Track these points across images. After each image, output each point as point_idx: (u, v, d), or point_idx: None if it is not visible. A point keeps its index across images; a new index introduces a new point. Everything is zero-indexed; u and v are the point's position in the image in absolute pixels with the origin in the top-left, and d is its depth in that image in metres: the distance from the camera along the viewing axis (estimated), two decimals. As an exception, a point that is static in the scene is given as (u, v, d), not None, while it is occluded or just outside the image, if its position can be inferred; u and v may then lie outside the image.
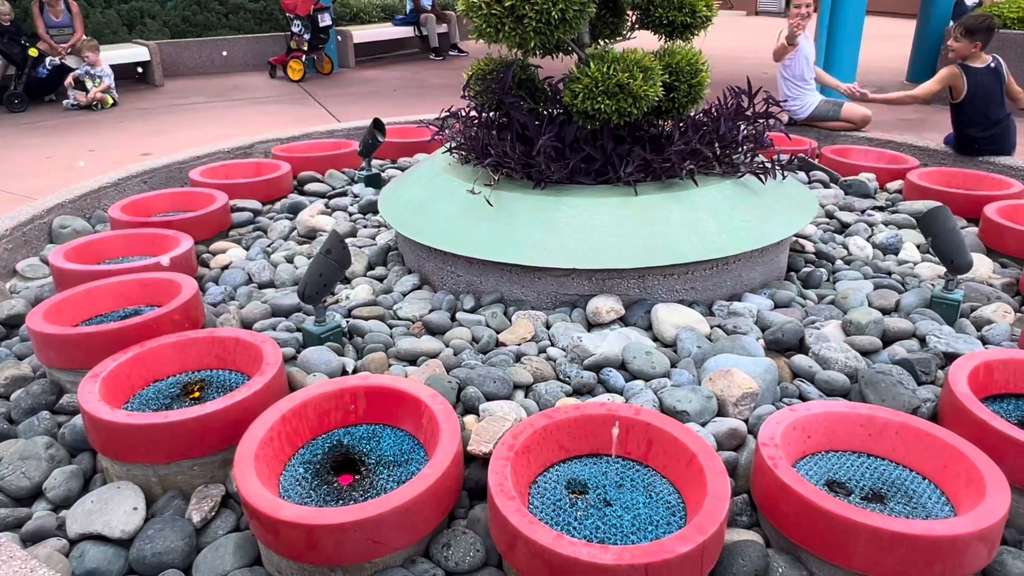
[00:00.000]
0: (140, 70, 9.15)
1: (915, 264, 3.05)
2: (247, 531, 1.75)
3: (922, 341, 2.40)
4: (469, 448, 1.82)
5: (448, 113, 3.17)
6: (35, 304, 2.83)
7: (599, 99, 2.59)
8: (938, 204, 2.62)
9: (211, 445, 1.85)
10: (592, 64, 2.62)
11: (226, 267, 3.14)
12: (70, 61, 8.12)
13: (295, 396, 1.87)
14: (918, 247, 3.22)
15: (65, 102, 7.95)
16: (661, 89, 2.67)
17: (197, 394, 2.08)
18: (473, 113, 3.10)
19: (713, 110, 2.94)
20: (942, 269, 2.93)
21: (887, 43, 11.24)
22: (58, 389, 2.28)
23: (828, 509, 1.49)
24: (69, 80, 7.86)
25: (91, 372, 2.00)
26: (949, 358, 2.27)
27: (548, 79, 3.09)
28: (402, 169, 4.52)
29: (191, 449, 1.83)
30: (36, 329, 2.24)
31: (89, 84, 7.96)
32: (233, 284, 2.96)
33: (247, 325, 2.61)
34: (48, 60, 8.02)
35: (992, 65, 4.20)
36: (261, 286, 2.97)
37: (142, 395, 2.08)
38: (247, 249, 3.36)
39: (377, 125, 4.09)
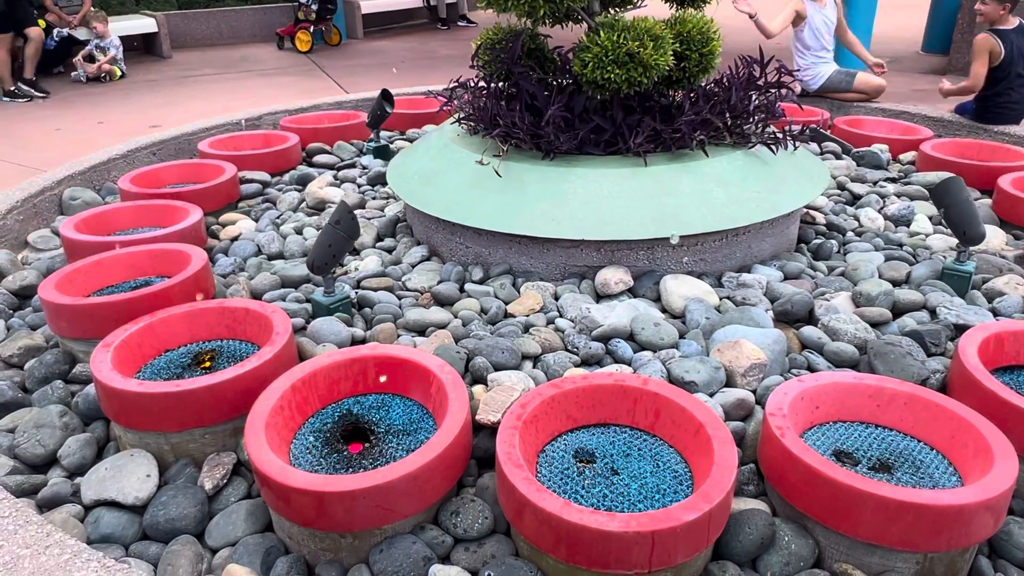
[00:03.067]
0: (135, 43, 9.11)
1: (927, 236, 3.03)
2: (258, 498, 1.78)
3: (932, 313, 2.39)
4: (478, 417, 1.83)
5: (457, 83, 3.15)
6: (47, 275, 2.85)
7: (609, 68, 2.56)
8: (951, 175, 2.59)
9: (222, 414, 1.87)
10: (602, 33, 2.59)
11: (235, 238, 3.15)
12: (79, 33, 8.10)
13: (305, 365, 1.88)
14: (930, 219, 3.20)
15: (73, 74, 7.94)
16: (672, 58, 2.64)
17: (208, 364, 2.09)
18: (482, 83, 3.08)
19: (724, 80, 2.91)
20: (954, 241, 2.91)
21: (902, 13, 11.05)
22: (71, 359, 2.30)
23: (835, 478, 1.50)
24: (79, 58, 7.84)
25: (103, 342, 2.02)
26: (959, 330, 2.26)
27: (557, 49, 3.06)
28: (410, 140, 4.50)
29: (202, 418, 1.85)
30: (48, 299, 2.26)
31: (98, 56, 7.94)
32: (242, 255, 2.96)
33: (257, 296, 2.62)
34: (56, 31, 8.00)
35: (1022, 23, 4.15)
36: (270, 257, 2.98)
37: (154, 364, 2.09)
38: (256, 220, 3.37)
39: (385, 96, 4.06)
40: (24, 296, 2.80)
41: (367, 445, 1.77)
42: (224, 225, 3.31)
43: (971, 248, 2.64)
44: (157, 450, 1.89)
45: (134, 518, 1.73)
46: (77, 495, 1.81)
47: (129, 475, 1.79)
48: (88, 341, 2.26)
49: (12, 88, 7.10)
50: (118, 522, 1.71)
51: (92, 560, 1.37)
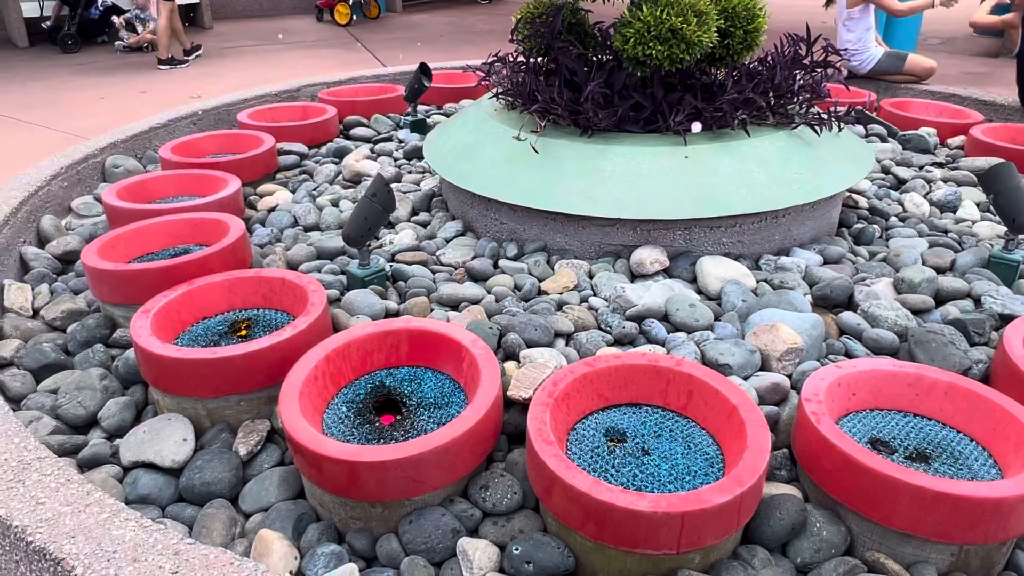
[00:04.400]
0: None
1: (973, 223, 2.95)
2: (291, 465, 1.80)
3: (977, 302, 2.33)
4: (509, 393, 1.83)
5: (495, 58, 3.13)
6: (89, 241, 2.90)
7: (651, 44, 2.52)
8: (1002, 160, 2.51)
9: (257, 382, 1.90)
10: (644, 8, 2.54)
11: (272, 209, 3.18)
12: (121, 2, 8.18)
13: (339, 337, 1.89)
14: (978, 205, 3.11)
15: (117, 43, 8.04)
16: (715, 35, 2.59)
17: (244, 332, 2.12)
18: (520, 58, 3.05)
19: (769, 58, 2.84)
20: (1002, 228, 2.83)
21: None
22: (111, 323, 2.35)
23: (870, 466, 1.47)
24: (119, 21, 7.93)
25: (143, 307, 2.06)
26: (1005, 320, 2.21)
27: (598, 24, 3.01)
28: (447, 115, 4.49)
29: (238, 385, 1.88)
30: (91, 265, 2.30)
31: (139, 27, 8.03)
32: (279, 226, 2.99)
33: (293, 267, 2.64)
34: (100, 0, 8.09)
35: None
36: (306, 229, 3.00)
37: (191, 331, 2.13)
38: (293, 192, 3.39)
39: (423, 70, 4.05)
40: (67, 261, 2.85)
41: (398, 417, 1.78)
42: (261, 196, 3.34)
43: (1020, 236, 2.56)
44: (193, 415, 1.92)
45: (170, 480, 1.77)
46: (116, 456, 1.85)
47: (166, 438, 1.83)
48: (128, 306, 2.30)
49: (169, 56, 7.31)
50: (155, 484, 1.74)
51: (130, 520, 1.40)
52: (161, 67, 7.31)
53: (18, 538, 1.39)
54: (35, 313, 2.51)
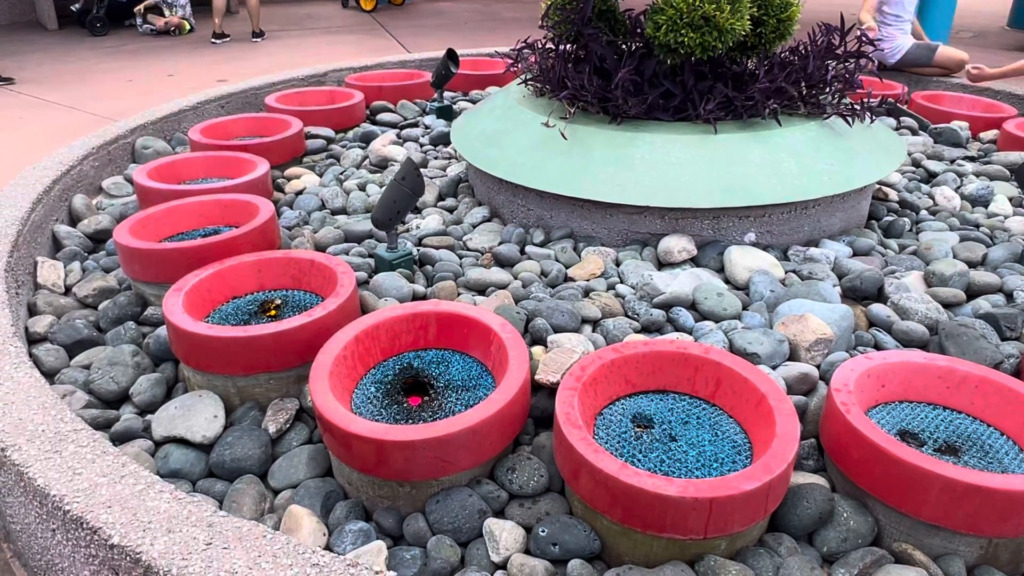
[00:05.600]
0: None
1: (1006, 217, 2.91)
2: (319, 444, 1.82)
3: (1009, 296, 2.30)
4: (537, 377, 1.84)
5: (524, 44, 3.12)
6: (120, 220, 2.94)
7: (683, 32, 2.50)
8: (1037, 155, 2.48)
9: (287, 361, 1.92)
10: (677, -6, 2.52)
11: (300, 192, 3.20)
12: (150, -14, 8.24)
13: (367, 318, 1.91)
14: (1010, 200, 3.07)
15: (143, 26, 8.09)
16: (748, 23, 2.57)
17: (274, 312, 2.14)
18: (549, 45, 3.04)
19: (801, 48, 2.82)
20: (1035, 224, 2.79)
21: (989, -15, 10.52)
22: (142, 301, 2.38)
23: (900, 457, 1.47)
24: (139, 8, 8.00)
25: (175, 286, 2.08)
26: (1037, 315, 2.18)
27: (629, 11, 2.99)
28: (473, 102, 4.49)
29: (268, 363, 1.90)
30: (123, 243, 2.33)
31: (166, 12, 8.07)
32: (307, 209, 3.01)
33: (321, 249, 2.66)
34: (129, -16, 8.15)
35: None
36: (334, 212, 3.01)
37: (222, 310, 2.15)
38: (320, 176, 3.41)
39: (451, 55, 4.05)
40: (98, 240, 2.89)
41: (426, 398, 1.79)
42: (289, 179, 3.36)
43: (1054, 232, 2.53)
44: (224, 392, 1.94)
45: (201, 456, 1.79)
46: (148, 431, 1.88)
47: (197, 415, 1.85)
48: (159, 285, 2.33)
49: (220, 31, 7.56)
50: (186, 458, 1.77)
51: (164, 492, 1.42)
52: (214, 41, 7.55)
53: (56, 507, 1.42)
54: (67, 290, 2.55)
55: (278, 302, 2.18)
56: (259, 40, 7.91)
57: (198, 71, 6.67)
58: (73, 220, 3.03)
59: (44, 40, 8.04)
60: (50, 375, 2.10)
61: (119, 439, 1.85)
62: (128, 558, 1.30)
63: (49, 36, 8.28)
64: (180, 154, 3.26)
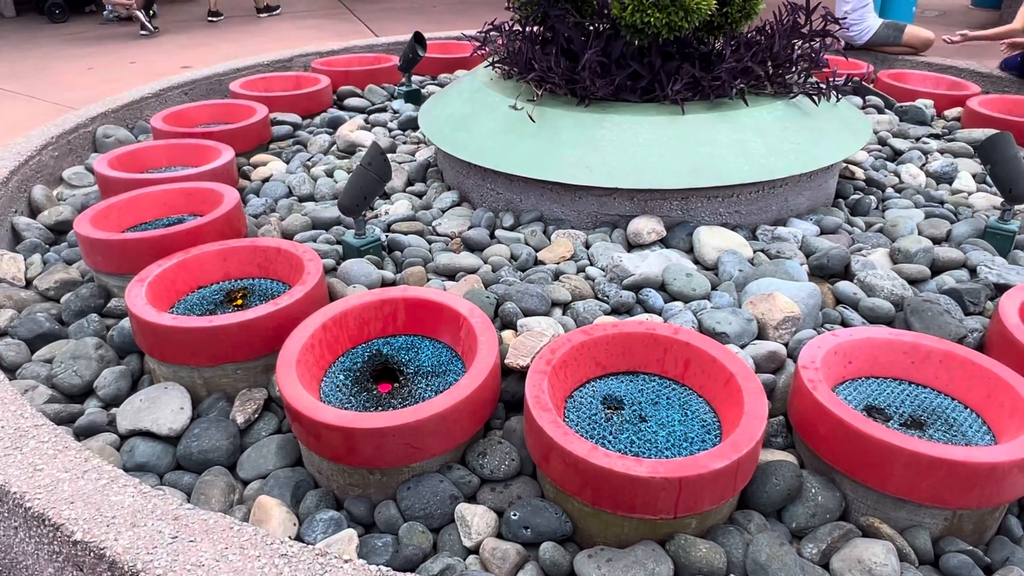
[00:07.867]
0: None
1: (970, 194, 2.95)
2: (288, 433, 1.80)
3: (972, 271, 2.34)
4: (507, 361, 1.83)
5: (491, 27, 3.09)
6: (81, 211, 2.88)
7: (649, 12, 2.49)
8: (999, 131, 2.50)
9: (254, 350, 1.89)
10: (643, -26, 2.51)
11: (267, 179, 3.15)
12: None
13: (336, 305, 1.89)
14: (974, 176, 3.11)
15: (105, 12, 7.92)
16: (714, 3, 2.56)
17: (240, 301, 2.11)
18: (517, 27, 3.02)
19: (767, 27, 2.82)
20: (998, 200, 2.83)
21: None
22: (105, 293, 2.33)
23: (866, 432, 1.48)
24: None
25: (138, 276, 2.04)
26: (1000, 289, 2.21)
27: (595, -9, 2.97)
28: (441, 85, 4.45)
29: (235, 353, 1.87)
30: (84, 234, 2.28)
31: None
32: (274, 196, 2.97)
33: (288, 237, 2.63)
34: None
35: None
36: (301, 199, 2.98)
37: (187, 300, 2.12)
38: (287, 162, 3.36)
39: (418, 39, 4.00)
40: (59, 231, 2.83)
41: (396, 385, 1.78)
42: (255, 166, 3.31)
43: (1016, 207, 2.56)
44: (190, 384, 1.92)
45: (168, 448, 1.77)
46: (113, 425, 1.85)
47: (163, 407, 1.82)
48: (123, 276, 2.29)
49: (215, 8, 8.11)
50: (152, 451, 1.74)
51: (129, 486, 1.40)
52: (211, 19, 7.70)
53: (16, 504, 1.39)
54: (28, 283, 2.49)
55: (244, 291, 2.15)
56: (265, 16, 8.30)
57: (161, 58, 6.54)
58: (33, 212, 2.96)
59: (1, 28, 7.84)
60: (11, 370, 2.05)
61: (83, 433, 1.82)
62: (92, 554, 1.28)
63: (6, 23, 8.07)
64: (143, 142, 3.19)
